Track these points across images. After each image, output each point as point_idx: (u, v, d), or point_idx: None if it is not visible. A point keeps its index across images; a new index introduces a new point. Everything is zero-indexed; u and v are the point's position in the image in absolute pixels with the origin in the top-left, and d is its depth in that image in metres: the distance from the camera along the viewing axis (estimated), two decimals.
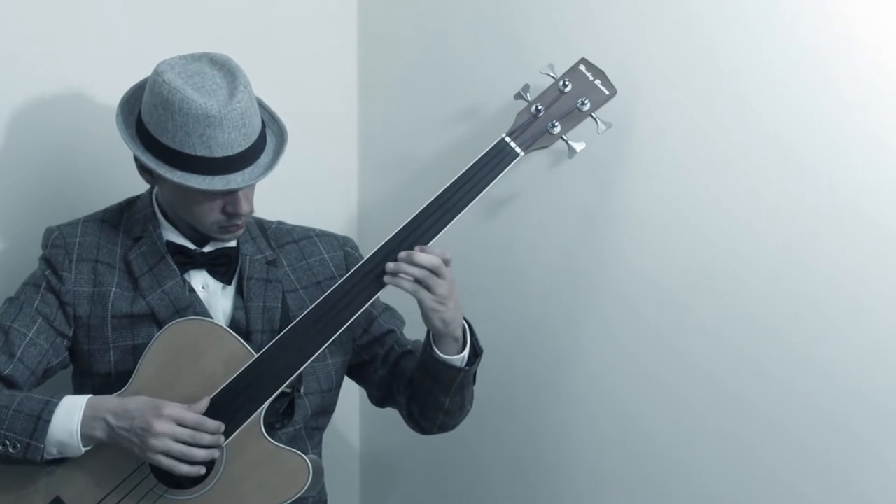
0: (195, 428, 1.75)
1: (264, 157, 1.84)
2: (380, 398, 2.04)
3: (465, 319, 1.88)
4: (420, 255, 1.81)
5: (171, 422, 1.74)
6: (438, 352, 1.86)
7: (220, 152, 1.77)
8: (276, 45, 2.37)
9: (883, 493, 1.82)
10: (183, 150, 1.77)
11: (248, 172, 1.81)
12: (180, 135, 1.77)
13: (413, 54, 2.39)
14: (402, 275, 1.80)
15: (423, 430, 2.01)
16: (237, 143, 1.78)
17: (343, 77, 2.48)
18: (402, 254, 1.81)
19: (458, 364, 1.87)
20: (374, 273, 1.84)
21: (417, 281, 1.81)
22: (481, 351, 1.91)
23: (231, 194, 1.82)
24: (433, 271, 1.81)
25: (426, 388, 1.91)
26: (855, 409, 1.84)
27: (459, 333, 1.86)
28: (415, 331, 2.04)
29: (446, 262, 1.82)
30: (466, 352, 1.88)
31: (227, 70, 1.82)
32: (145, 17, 2.20)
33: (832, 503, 1.88)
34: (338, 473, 2.44)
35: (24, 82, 2.10)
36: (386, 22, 2.44)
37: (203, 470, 1.77)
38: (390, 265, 1.81)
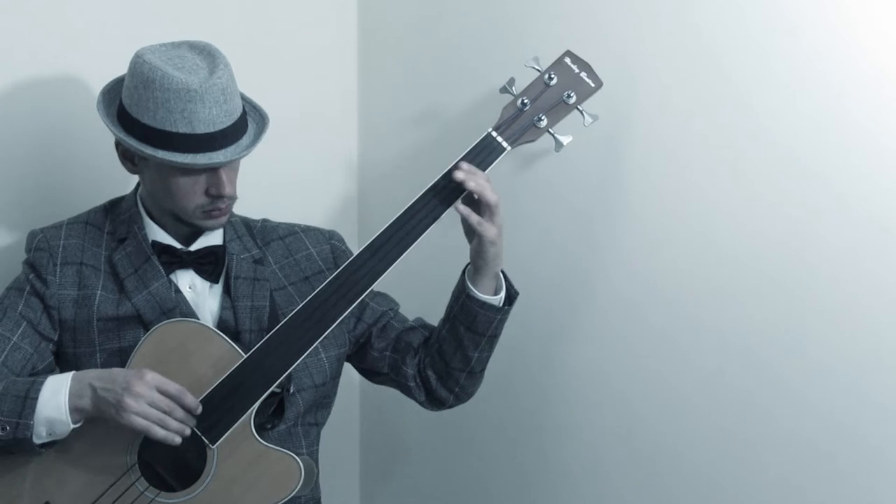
0: (175, 397, 1.75)
1: (246, 138, 1.84)
2: (384, 376, 2.02)
3: None
4: (480, 173, 1.83)
5: (152, 386, 1.73)
6: (478, 292, 1.87)
7: (201, 128, 1.77)
8: (276, 45, 2.36)
9: (883, 490, 1.82)
10: (164, 127, 1.77)
11: (231, 150, 1.81)
12: (161, 112, 1.76)
13: (413, 53, 2.38)
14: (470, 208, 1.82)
15: (438, 401, 2.00)
16: (219, 119, 1.78)
17: (343, 76, 2.47)
18: (464, 164, 1.83)
19: (496, 304, 1.89)
20: (362, 271, 1.83)
21: (477, 213, 1.83)
22: (516, 294, 1.93)
23: (214, 174, 1.82)
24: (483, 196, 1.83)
25: (455, 343, 1.91)
26: (854, 407, 1.83)
27: (500, 269, 1.90)
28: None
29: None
30: (503, 294, 1.90)
31: (206, 53, 1.82)
32: (138, 16, 2.18)
33: (830, 499, 1.88)
34: (338, 471, 2.44)
35: (5, 82, 2.07)
36: (385, 19, 2.44)
37: (178, 439, 1.76)
38: (460, 175, 1.82)
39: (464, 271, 1.92)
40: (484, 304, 1.89)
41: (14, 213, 2.08)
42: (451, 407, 2.01)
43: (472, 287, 1.89)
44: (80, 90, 2.11)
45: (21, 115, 2.08)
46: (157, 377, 1.74)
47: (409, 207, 1.84)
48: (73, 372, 1.78)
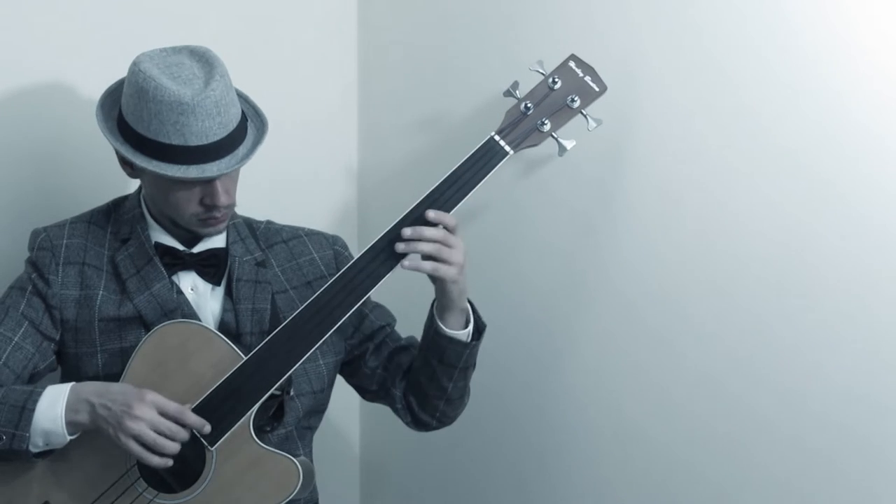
0: (175, 417, 1.74)
1: (243, 149, 1.82)
2: (373, 393, 2.03)
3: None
4: (427, 230, 1.80)
5: (153, 408, 1.73)
6: (445, 327, 1.86)
7: (194, 141, 1.76)
8: (275, 47, 2.36)
9: (882, 492, 1.81)
10: (158, 138, 1.76)
11: (224, 162, 1.79)
12: (155, 123, 1.76)
13: (413, 54, 2.38)
14: (415, 256, 1.79)
15: (422, 424, 1.99)
16: (212, 131, 1.77)
17: (343, 77, 2.47)
18: (407, 230, 1.80)
19: (464, 339, 1.88)
20: (363, 274, 1.82)
21: (432, 258, 1.80)
22: (484, 326, 1.92)
23: (209, 185, 1.81)
24: (443, 242, 1.80)
25: (429, 373, 1.91)
26: (854, 408, 1.82)
27: (466, 304, 1.88)
28: (407, 329, 2.03)
29: (452, 229, 1.82)
30: (471, 327, 1.89)
31: (205, 60, 1.80)
32: (139, 16, 2.18)
33: (829, 501, 1.87)
34: (337, 473, 2.44)
35: (6, 81, 2.08)
36: (386, 22, 2.43)
37: (170, 462, 1.75)
38: (401, 246, 1.80)
39: (432, 305, 1.90)
40: (452, 339, 1.88)
41: (17, 212, 2.09)
42: (435, 429, 2.01)
43: (439, 323, 1.88)
44: (82, 89, 2.11)
45: (22, 113, 2.09)
46: (157, 398, 1.74)
47: (410, 211, 1.83)
48: (71, 384, 1.78)
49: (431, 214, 1.81)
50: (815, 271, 1.84)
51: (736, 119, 1.91)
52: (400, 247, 1.80)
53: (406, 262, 1.81)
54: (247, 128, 1.85)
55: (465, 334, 1.89)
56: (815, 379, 1.86)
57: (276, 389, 1.82)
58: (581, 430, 2.17)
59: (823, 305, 1.84)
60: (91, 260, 1.90)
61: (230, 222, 1.94)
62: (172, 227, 1.90)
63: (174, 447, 1.74)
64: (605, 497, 2.15)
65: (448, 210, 1.84)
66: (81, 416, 1.75)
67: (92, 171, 2.14)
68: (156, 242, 1.90)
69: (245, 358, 1.80)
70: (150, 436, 1.72)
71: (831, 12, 1.80)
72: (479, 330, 1.91)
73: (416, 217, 1.83)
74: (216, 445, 1.79)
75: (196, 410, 1.78)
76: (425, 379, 1.93)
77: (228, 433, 1.79)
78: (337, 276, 1.83)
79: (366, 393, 2.05)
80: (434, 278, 1.84)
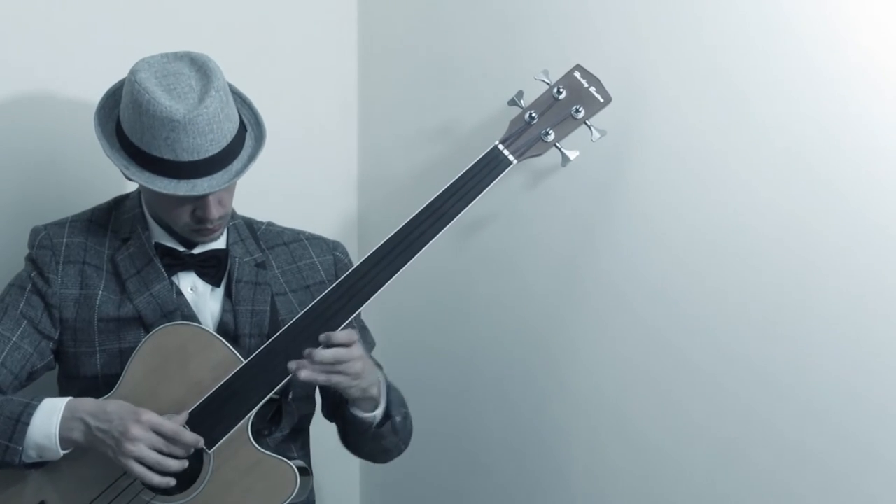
0: (172, 438, 1.74)
1: (237, 163, 1.80)
2: (328, 414, 2.03)
3: (384, 377, 1.89)
4: (323, 353, 1.76)
5: (149, 429, 1.72)
6: (351, 409, 1.87)
7: (185, 156, 1.75)
8: (275, 54, 2.35)
9: (881, 492, 1.82)
10: (150, 151, 1.76)
11: (216, 178, 1.78)
12: (147, 136, 1.75)
13: (413, 61, 2.38)
14: (308, 370, 1.76)
15: (356, 455, 2.02)
16: (203, 148, 1.75)
17: (343, 85, 2.46)
18: (307, 351, 1.76)
19: (369, 421, 1.88)
20: (364, 280, 1.82)
21: (327, 371, 1.77)
22: (392, 416, 1.89)
23: (201, 199, 1.80)
24: (337, 361, 1.77)
25: (343, 432, 1.95)
26: (854, 409, 1.83)
27: (375, 392, 1.86)
28: (392, 348, 2.03)
29: (351, 344, 1.78)
30: (380, 410, 1.87)
31: (203, 72, 1.78)
32: (140, 18, 2.17)
33: (828, 502, 1.88)
34: (337, 473, 2.44)
35: (6, 80, 2.07)
36: (386, 30, 2.43)
37: (173, 482, 1.75)
38: (292, 365, 1.76)
39: None
40: (356, 417, 1.88)
41: (16, 210, 2.08)
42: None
43: (346, 403, 1.87)
44: (83, 88, 2.09)
45: (22, 109, 2.08)
46: (153, 418, 1.73)
47: (413, 218, 1.84)
48: (67, 399, 1.77)
49: (322, 338, 1.77)
50: (816, 272, 1.85)
51: (739, 125, 1.91)
52: (291, 366, 1.77)
53: (302, 373, 1.76)
54: (244, 139, 1.83)
55: (371, 417, 1.87)
56: (816, 379, 1.87)
57: (274, 393, 1.82)
58: (584, 434, 2.18)
59: (823, 305, 1.85)
60: (91, 259, 1.89)
61: (230, 223, 1.94)
62: (171, 230, 1.90)
63: (175, 464, 1.74)
64: (606, 499, 2.15)
65: (452, 217, 1.84)
66: (76, 435, 1.74)
67: (92, 169, 2.13)
68: (156, 243, 1.90)
69: (245, 361, 1.80)
70: (152, 456, 1.72)
71: (832, 14, 1.80)
72: (389, 415, 1.89)
73: (421, 222, 1.83)
74: (214, 448, 1.79)
75: (195, 413, 1.79)
76: (343, 432, 1.96)
77: (227, 436, 1.79)
78: (338, 281, 1.83)
79: (325, 411, 2.04)
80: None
